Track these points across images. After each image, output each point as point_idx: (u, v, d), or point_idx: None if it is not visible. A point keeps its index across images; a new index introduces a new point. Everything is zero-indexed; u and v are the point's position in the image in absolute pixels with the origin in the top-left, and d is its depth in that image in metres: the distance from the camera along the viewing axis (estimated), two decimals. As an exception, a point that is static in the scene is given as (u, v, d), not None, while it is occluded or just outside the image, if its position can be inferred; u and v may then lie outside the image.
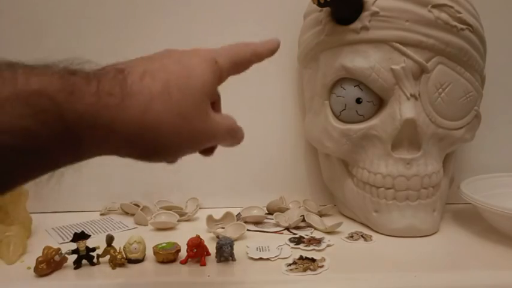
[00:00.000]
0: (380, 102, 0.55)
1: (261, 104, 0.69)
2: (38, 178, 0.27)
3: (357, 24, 0.53)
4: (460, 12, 0.53)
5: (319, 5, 0.51)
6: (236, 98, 0.70)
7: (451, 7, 0.53)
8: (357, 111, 0.56)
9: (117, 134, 0.26)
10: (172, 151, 0.31)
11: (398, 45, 0.53)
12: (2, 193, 0.25)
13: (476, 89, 0.57)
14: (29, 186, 0.63)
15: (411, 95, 0.53)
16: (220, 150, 0.75)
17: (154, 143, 0.28)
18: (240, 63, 0.32)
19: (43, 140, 0.23)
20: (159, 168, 0.70)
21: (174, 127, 0.28)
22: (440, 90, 0.55)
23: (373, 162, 0.56)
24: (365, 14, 0.53)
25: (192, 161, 0.72)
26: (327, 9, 0.54)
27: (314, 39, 0.58)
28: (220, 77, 0.31)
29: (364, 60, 0.53)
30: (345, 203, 0.62)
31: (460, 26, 0.53)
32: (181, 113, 0.28)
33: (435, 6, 0.52)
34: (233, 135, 0.34)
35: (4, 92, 0.21)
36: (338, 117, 0.57)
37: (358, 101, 0.55)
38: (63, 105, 0.23)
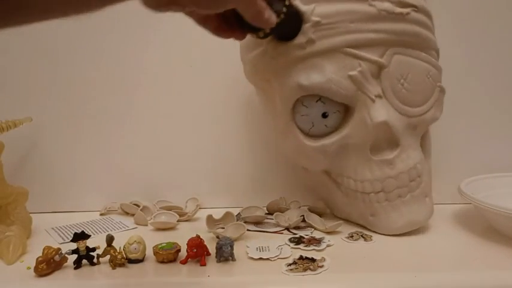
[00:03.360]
0: (346, 109, 0.54)
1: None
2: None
3: (301, 39, 0.50)
4: None
5: (260, 38, 0.48)
6: (237, 97, 0.71)
7: None
8: (325, 125, 0.54)
9: None
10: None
11: (349, 49, 0.50)
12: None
13: (434, 65, 0.56)
14: (29, 186, 0.63)
15: (376, 96, 0.52)
16: (220, 150, 0.75)
17: None
18: None
19: None
20: (159, 168, 0.71)
21: None
22: (402, 80, 0.53)
23: (356, 171, 0.55)
24: (307, 27, 0.49)
25: (192, 161, 0.73)
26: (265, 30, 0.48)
27: (259, 62, 0.54)
28: None
29: (320, 75, 0.51)
30: (338, 209, 0.62)
31: (405, 10, 0.51)
32: None
33: None
34: None
35: None
36: (308, 134, 0.55)
37: (324, 115, 0.53)
38: None
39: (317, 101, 0.53)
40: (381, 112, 0.52)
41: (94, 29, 0.67)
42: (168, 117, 0.70)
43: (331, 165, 0.57)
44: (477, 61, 0.69)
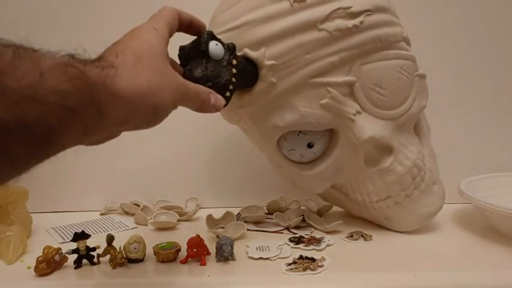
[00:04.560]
0: (330, 131, 0.53)
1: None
2: (71, 141, 0.30)
3: (262, 85, 0.48)
4: (349, 8, 0.48)
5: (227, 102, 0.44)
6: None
7: (337, 9, 0.47)
8: (314, 153, 0.54)
9: (123, 101, 0.30)
10: (168, 107, 0.35)
11: (314, 80, 0.48)
12: (51, 154, 0.29)
13: (406, 57, 0.53)
14: (29, 186, 0.63)
15: (355, 114, 0.51)
16: (220, 150, 0.75)
17: (153, 103, 0.33)
18: (174, 25, 0.40)
19: (77, 101, 0.27)
20: (159, 168, 0.71)
21: (162, 84, 0.33)
22: (377, 88, 0.51)
23: (359, 185, 0.55)
24: (264, 72, 0.47)
25: (192, 161, 0.73)
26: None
27: (229, 113, 0.54)
28: (165, 40, 0.37)
29: (293, 113, 0.49)
30: (352, 213, 0.63)
31: (357, 20, 0.48)
32: (159, 72, 0.34)
33: (322, 21, 0.47)
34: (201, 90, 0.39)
35: (47, 63, 0.26)
36: (300, 162, 0.55)
37: (310, 145, 0.53)
38: (84, 73, 0.27)
39: (299, 134, 0.52)
40: (365, 129, 0.51)
41: (94, 29, 0.67)
42: (168, 116, 0.70)
43: (333, 182, 0.57)
44: (477, 61, 0.69)
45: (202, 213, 0.63)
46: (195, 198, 0.69)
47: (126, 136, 0.75)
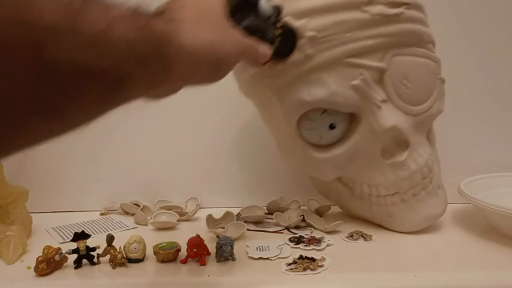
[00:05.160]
0: (352, 115, 0.53)
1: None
2: (138, 92, 0.30)
3: (298, 55, 0.48)
4: None
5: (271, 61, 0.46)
6: (237, 97, 0.70)
7: None
8: (334, 135, 0.54)
9: (187, 55, 0.31)
10: (230, 62, 0.36)
11: (349, 59, 0.49)
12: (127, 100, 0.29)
13: (433, 59, 0.55)
14: (29, 186, 0.63)
15: (381, 102, 0.51)
16: (220, 150, 0.75)
17: (217, 58, 0.33)
18: None
19: (146, 51, 0.27)
20: (159, 168, 0.71)
21: (224, 39, 0.34)
22: (405, 81, 0.52)
23: (369, 176, 0.55)
24: (302, 43, 0.48)
25: (192, 161, 0.73)
26: None
27: (256, 82, 0.53)
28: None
29: (322, 89, 0.49)
30: (352, 211, 0.62)
31: (398, 10, 0.50)
32: (220, 27, 0.34)
33: (366, 3, 0.49)
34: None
35: (116, 12, 0.26)
36: (317, 145, 0.54)
37: (332, 126, 0.53)
38: (151, 24, 0.28)
39: (322, 114, 0.52)
40: (388, 117, 0.51)
41: None
42: (168, 116, 0.70)
43: (343, 171, 0.57)
44: (477, 61, 0.69)
45: (202, 213, 0.62)
46: (195, 198, 0.69)
47: (126, 136, 0.75)
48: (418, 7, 0.53)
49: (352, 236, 0.56)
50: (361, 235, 0.56)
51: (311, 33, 0.48)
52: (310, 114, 0.52)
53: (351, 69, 0.50)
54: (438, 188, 0.56)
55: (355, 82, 0.50)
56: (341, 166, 0.55)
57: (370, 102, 0.51)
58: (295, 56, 0.49)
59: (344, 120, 0.53)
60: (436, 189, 0.56)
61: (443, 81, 0.57)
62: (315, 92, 0.50)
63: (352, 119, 0.54)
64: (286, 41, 0.47)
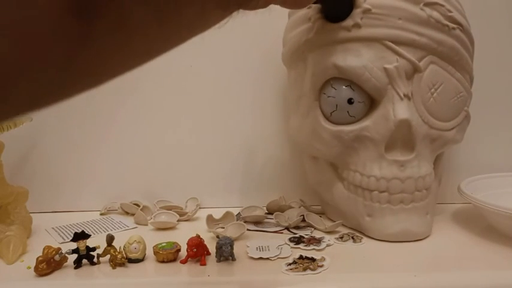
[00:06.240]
0: (371, 103, 0.54)
1: (261, 103, 0.69)
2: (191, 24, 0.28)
3: (348, 22, 0.51)
4: (450, 11, 0.52)
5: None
6: (236, 97, 0.71)
7: (442, 6, 0.52)
8: (348, 112, 0.54)
9: None
10: None
11: (390, 43, 0.51)
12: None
13: (466, 89, 0.57)
14: (29, 186, 0.63)
15: (404, 95, 0.52)
16: (220, 150, 0.75)
17: None
18: None
19: None
20: (159, 168, 0.71)
21: None
22: (433, 90, 0.54)
23: (365, 165, 0.54)
24: (357, 11, 0.51)
25: (192, 161, 0.73)
26: (316, 7, 0.53)
27: (302, 38, 0.55)
28: None
29: (357, 59, 0.51)
30: (335, 207, 0.60)
31: (451, 25, 0.52)
32: None
33: (427, 4, 0.51)
34: None
35: None
36: (328, 118, 0.55)
37: (350, 101, 0.53)
38: None
39: (346, 86, 0.53)
40: (405, 110, 0.52)
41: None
42: (168, 116, 0.70)
43: (342, 154, 0.55)
44: (477, 61, 0.69)
45: (202, 213, 0.62)
46: (195, 198, 0.69)
47: (126, 136, 0.75)
48: (469, 36, 0.56)
49: (342, 237, 0.56)
50: (352, 236, 0.56)
51: (367, 6, 0.51)
52: (335, 83, 0.53)
53: (389, 53, 0.51)
54: (427, 213, 0.55)
55: (389, 66, 0.51)
56: (344, 144, 0.55)
57: (393, 91, 0.52)
58: (346, 22, 0.51)
59: (362, 103, 0.53)
60: (424, 212, 0.55)
61: (468, 116, 0.59)
62: (349, 60, 0.52)
63: (369, 107, 0.54)
64: (344, 3, 0.51)
